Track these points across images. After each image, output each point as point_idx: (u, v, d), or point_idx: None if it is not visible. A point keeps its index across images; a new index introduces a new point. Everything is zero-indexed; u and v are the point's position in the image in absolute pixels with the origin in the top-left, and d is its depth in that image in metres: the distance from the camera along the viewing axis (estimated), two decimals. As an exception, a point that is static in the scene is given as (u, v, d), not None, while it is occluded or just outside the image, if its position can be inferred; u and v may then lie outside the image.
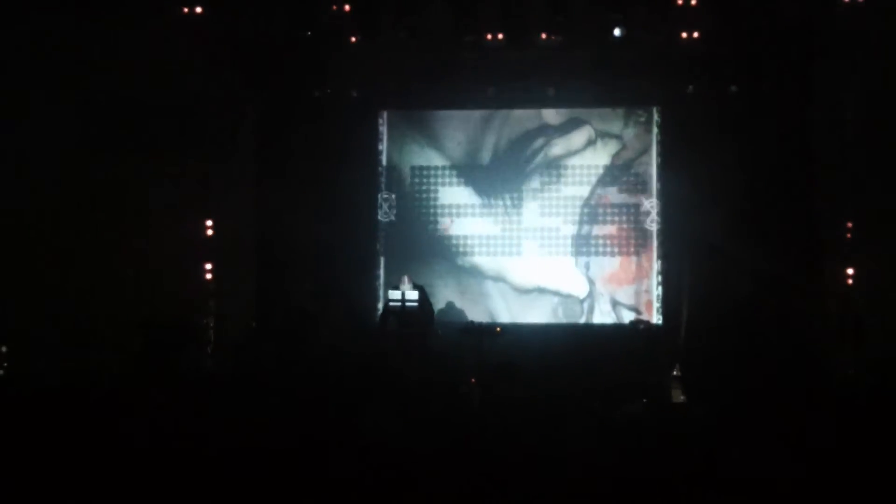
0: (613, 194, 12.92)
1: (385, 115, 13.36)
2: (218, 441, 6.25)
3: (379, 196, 13.27)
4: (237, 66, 12.07)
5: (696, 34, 11.88)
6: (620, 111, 13.02)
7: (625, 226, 12.87)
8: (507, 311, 12.89)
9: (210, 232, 12.46)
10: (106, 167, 11.23)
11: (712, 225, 12.00)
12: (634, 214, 12.88)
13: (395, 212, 13.25)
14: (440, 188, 13.23)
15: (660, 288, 12.70)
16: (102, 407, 6.81)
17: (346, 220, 12.74)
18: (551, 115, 13.11)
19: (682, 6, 11.66)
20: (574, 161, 13.02)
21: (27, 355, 10.52)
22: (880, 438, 6.62)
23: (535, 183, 13.04)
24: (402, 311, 11.56)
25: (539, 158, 13.09)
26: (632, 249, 12.85)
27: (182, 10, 11.87)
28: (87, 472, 5.82)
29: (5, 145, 11.10)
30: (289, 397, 7.17)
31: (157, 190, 11.68)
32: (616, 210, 12.91)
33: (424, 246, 13.12)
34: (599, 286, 12.84)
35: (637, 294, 12.79)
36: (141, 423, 6.66)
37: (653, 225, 12.81)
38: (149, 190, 11.69)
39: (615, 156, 12.97)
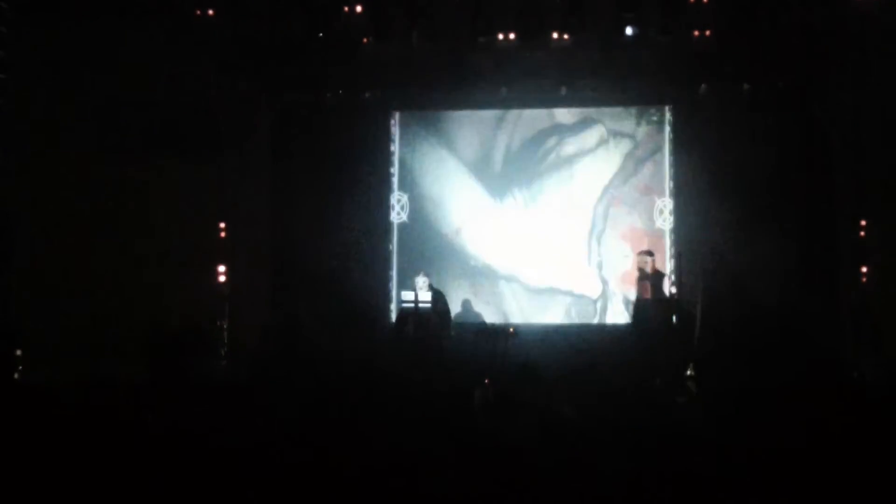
0: (626, 193, 12.90)
1: (397, 116, 13.41)
2: (227, 446, 6.28)
3: (391, 197, 13.30)
4: (250, 68, 12.08)
5: (708, 32, 11.82)
6: (633, 110, 13.00)
7: (637, 225, 12.85)
8: (520, 311, 12.90)
9: (223, 234, 12.50)
10: (119, 171, 11.27)
11: (725, 224, 11.97)
12: (647, 213, 12.85)
13: (407, 212, 13.26)
14: (453, 188, 13.25)
15: (673, 287, 12.65)
16: (114, 413, 6.86)
17: (358, 221, 12.80)
18: (564, 115, 13.12)
19: (694, 4, 11.59)
20: (586, 160, 13.02)
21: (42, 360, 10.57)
22: None
23: (547, 183, 13.04)
24: (417, 313, 11.53)
25: (551, 158, 13.08)
26: (644, 249, 12.81)
27: (195, 11, 11.92)
28: (96, 478, 5.86)
29: (17, 150, 11.16)
30: (296, 403, 7.19)
31: (170, 193, 11.71)
32: (629, 209, 12.89)
33: (437, 246, 13.14)
34: (612, 286, 12.83)
35: (650, 293, 12.76)
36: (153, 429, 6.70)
37: (666, 224, 12.78)
38: (163, 193, 11.73)
39: (628, 155, 12.95)
